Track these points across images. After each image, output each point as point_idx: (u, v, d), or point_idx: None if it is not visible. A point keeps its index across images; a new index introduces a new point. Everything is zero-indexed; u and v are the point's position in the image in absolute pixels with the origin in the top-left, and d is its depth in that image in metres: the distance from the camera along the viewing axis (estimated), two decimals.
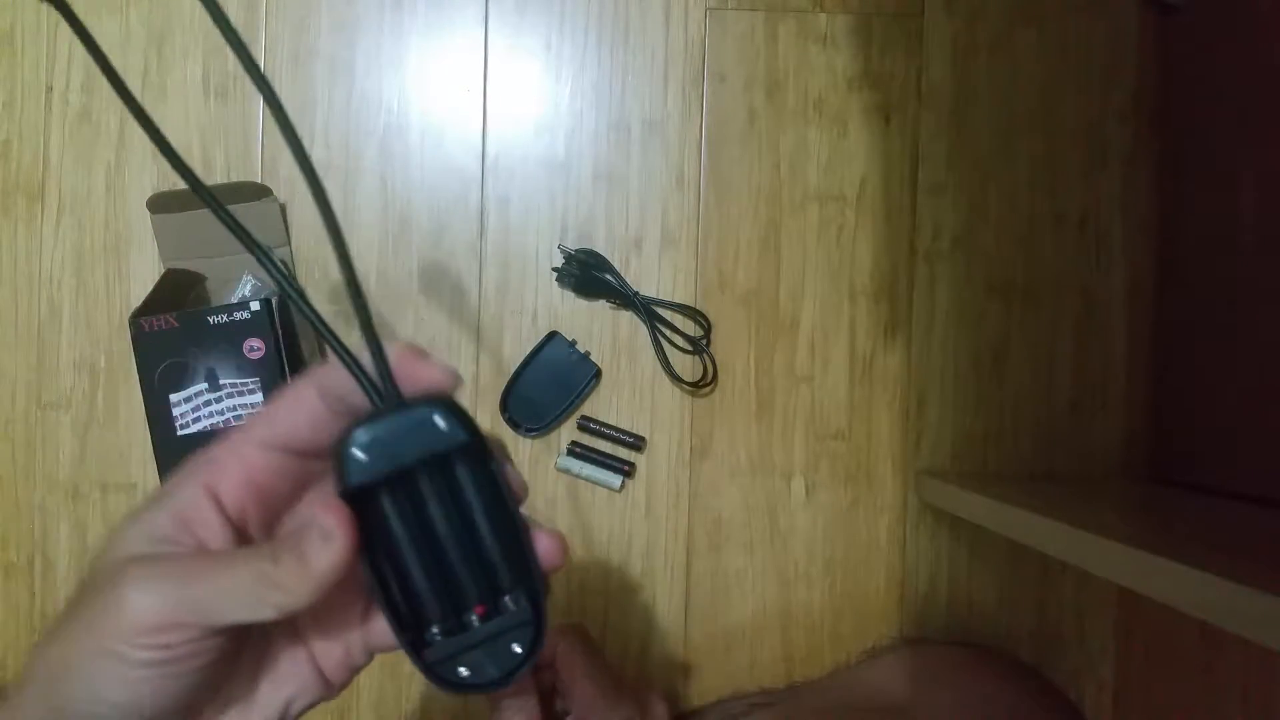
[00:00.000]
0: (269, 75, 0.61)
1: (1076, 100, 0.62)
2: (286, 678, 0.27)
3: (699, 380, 0.61)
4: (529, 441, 0.61)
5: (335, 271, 0.61)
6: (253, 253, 0.26)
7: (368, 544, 0.24)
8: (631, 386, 0.61)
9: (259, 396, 0.53)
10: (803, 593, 0.61)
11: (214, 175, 0.61)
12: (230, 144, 0.61)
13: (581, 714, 0.46)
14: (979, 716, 0.54)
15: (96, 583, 0.24)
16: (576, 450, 0.61)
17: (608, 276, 0.60)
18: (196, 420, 0.52)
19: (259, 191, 0.58)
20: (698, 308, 0.61)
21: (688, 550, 0.61)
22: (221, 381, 0.52)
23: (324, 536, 0.23)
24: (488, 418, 0.61)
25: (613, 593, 0.61)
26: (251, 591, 0.23)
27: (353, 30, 0.61)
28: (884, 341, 0.62)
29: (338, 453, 0.24)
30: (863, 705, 0.56)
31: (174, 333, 0.52)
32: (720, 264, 0.61)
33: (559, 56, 0.62)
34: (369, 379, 0.24)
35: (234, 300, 0.57)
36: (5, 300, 0.61)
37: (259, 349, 0.53)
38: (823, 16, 0.62)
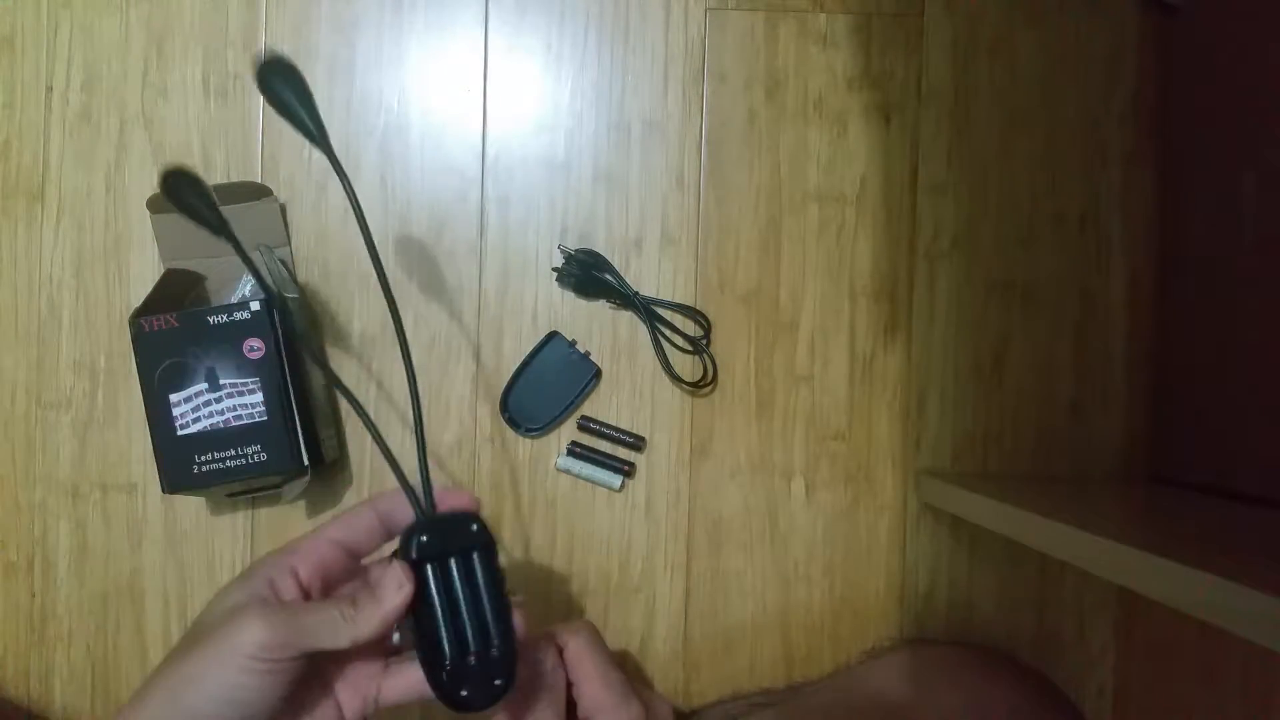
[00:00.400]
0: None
1: (1076, 100, 0.62)
2: (319, 714, 0.38)
3: (699, 380, 0.61)
4: (529, 441, 0.61)
5: (335, 272, 0.61)
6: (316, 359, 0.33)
7: (414, 600, 0.37)
8: (631, 386, 0.61)
9: (259, 396, 0.53)
10: (803, 593, 0.61)
11: (214, 175, 0.61)
12: (230, 144, 0.61)
13: (589, 711, 0.46)
14: (979, 717, 0.54)
15: (212, 623, 0.35)
16: (576, 450, 0.61)
17: (608, 276, 0.60)
18: (196, 420, 0.52)
19: (259, 191, 0.58)
20: (698, 308, 0.61)
21: (688, 550, 0.61)
22: (221, 381, 0.52)
23: (398, 584, 0.36)
24: (488, 417, 0.61)
25: (613, 593, 0.61)
26: (336, 624, 0.35)
27: (353, 30, 0.61)
28: (884, 341, 0.62)
29: (407, 534, 0.38)
30: (863, 705, 0.56)
31: (174, 333, 0.52)
32: (720, 264, 0.61)
33: (559, 56, 0.62)
34: (418, 499, 0.39)
35: (234, 300, 0.57)
36: (5, 300, 0.61)
37: (259, 349, 0.53)
38: (823, 16, 0.62)
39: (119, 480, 0.60)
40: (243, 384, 0.53)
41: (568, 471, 0.61)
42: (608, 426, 0.61)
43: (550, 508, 0.61)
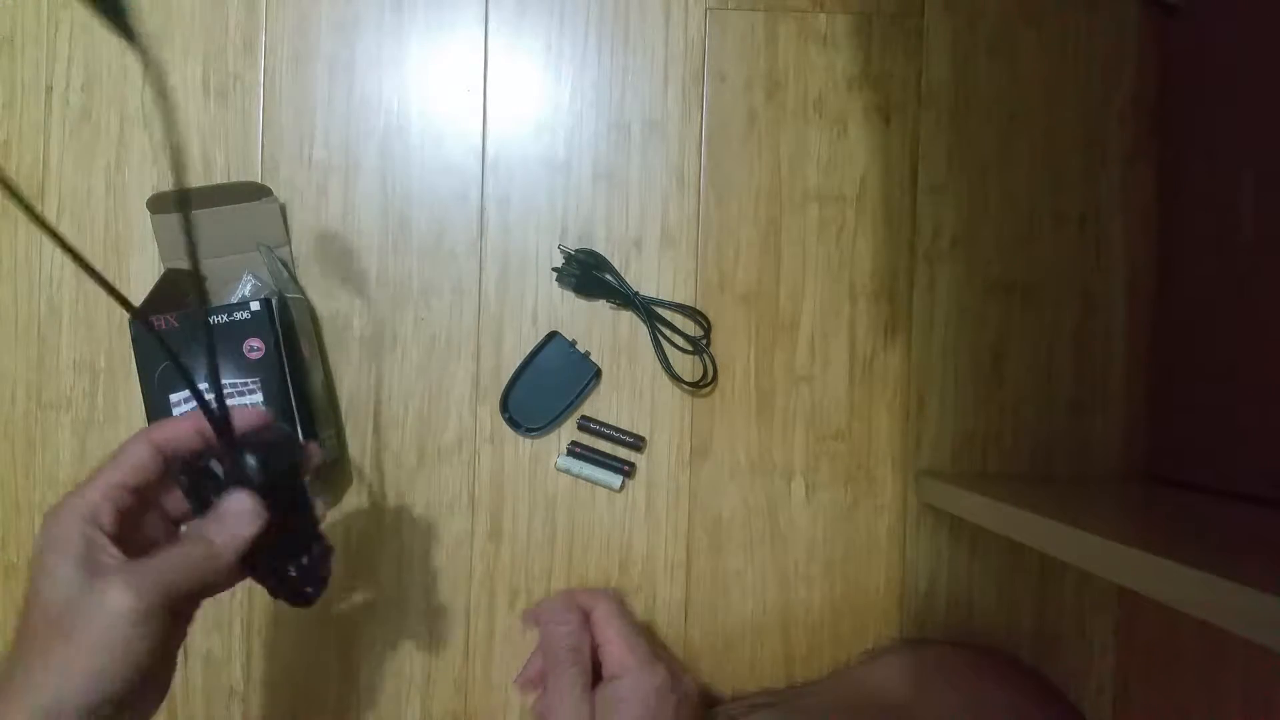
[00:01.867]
0: (269, 75, 0.61)
1: (1076, 100, 0.62)
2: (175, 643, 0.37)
3: (699, 380, 0.61)
4: (529, 441, 0.61)
5: (335, 272, 0.61)
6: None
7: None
8: (631, 386, 0.61)
9: (259, 396, 0.53)
10: (803, 593, 0.61)
11: (214, 175, 0.61)
12: (230, 144, 0.61)
13: (614, 671, 0.48)
14: (979, 717, 0.54)
15: (61, 603, 0.33)
16: (576, 450, 0.61)
17: (607, 276, 0.60)
18: None
19: (259, 191, 0.58)
20: (698, 308, 0.61)
21: (688, 550, 0.61)
22: (222, 381, 0.52)
23: (254, 513, 0.36)
24: (488, 417, 0.61)
25: None
26: (201, 565, 0.35)
27: (353, 30, 0.61)
28: (884, 341, 0.62)
29: (243, 463, 0.37)
30: (863, 705, 0.56)
31: (174, 333, 0.52)
32: (720, 264, 0.61)
33: (559, 56, 0.62)
34: (219, 420, 0.37)
35: (234, 300, 0.57)
36: (5, 300, 0.61)
37: (259, 349, 0.53)
38: (823, 16, 0.62)
39: None
40: (243, 384, 0.53)
41: (567, 471, 0.61)
42: (608, 426, 0.61)
43: (550, 508, 0.61)
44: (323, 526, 0.42)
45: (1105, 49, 0.62)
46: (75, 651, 0.31)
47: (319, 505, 0.41)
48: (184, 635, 0.37)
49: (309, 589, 0.40)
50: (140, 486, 0.37)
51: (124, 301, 0.34)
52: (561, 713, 0.47)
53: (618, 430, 0.61)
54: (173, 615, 0.34)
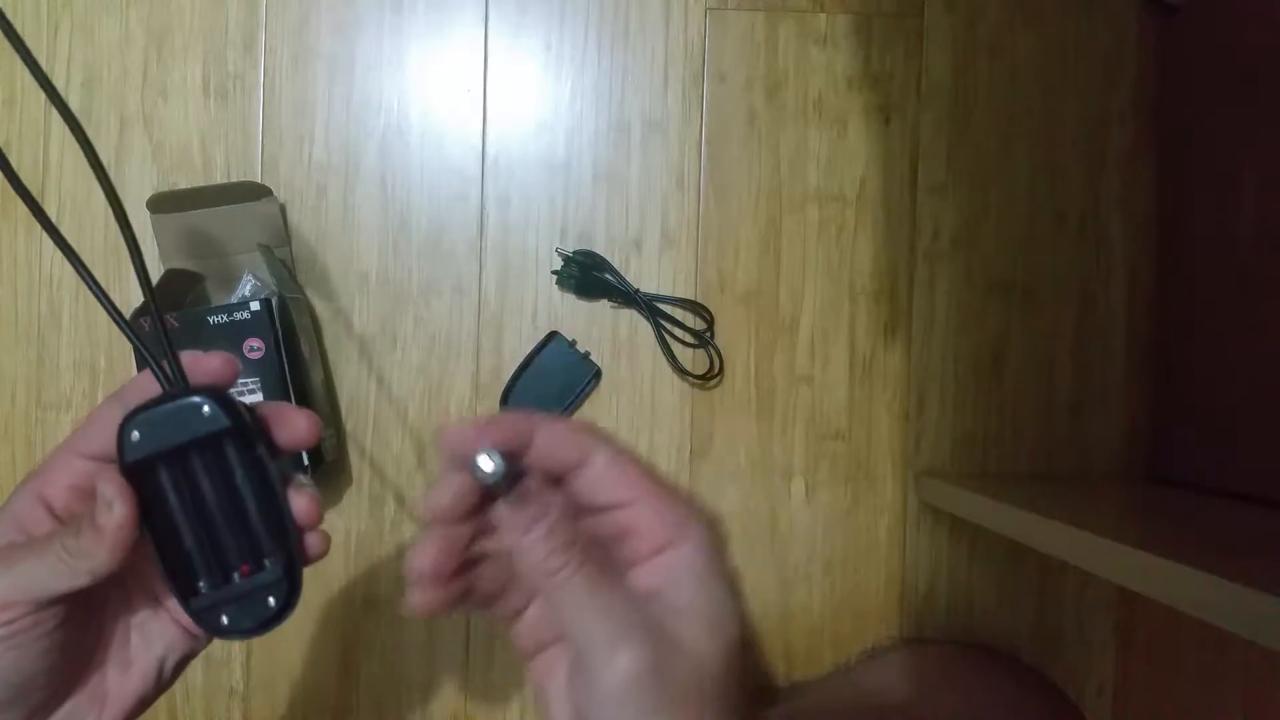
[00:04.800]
0: (269, 75, 0.61)
1: (1076, 100, 0.62)
2: (155, 637, 0.32)
3: (706, 373, 0.60)
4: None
5: (335, 272, 0.61)
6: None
7: (146, 512, 0.29)
8: (631, 386, 0.61)
9: (259, 396, 0.53)
10: (803, 593, 0.61)
11: (214, 175, 0.61)
12: (230, 144, 0.61)
13: (642, 550, 0.29)
14: (979, 717, 0.54)
15: None
16: None
17: (607, 276, 0.60)
18: None
19: (259, 191, 0.58)
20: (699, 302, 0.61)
21: None
22: None
23: (107, 505, 0.28)
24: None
25: None
26: (62, 562, 0.28)
27: (353, 30, 0.61)
28: (884, 341, 0.62)
29: (118, 434, 0.29)
30: (863, 705, 0.56)
31: (174, 333, 0.52)
32: (720, 264, 0.61)
33: (559, 56, 0.62)
34: (163, 371, 0.30)
35: (234, 300, 0.57)
36: (5, 300, 0.61)
37: (259, 349, 0.53)
38: (823, 16, 0.62)
39: None
40: (243, 384, 0.53)
41: None
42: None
43: None
44: (320, 523, 0.32)
45: (1105, 49, 0.62)
46: None
47: (304, 496, 0.31)
48: (111, 637, 0.31)
49: (271, 600, 0.30)
50: (106, 454, 0.30)
51: (109, 304, 0.32)
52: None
53: None
54: (70, 609, 0.29)
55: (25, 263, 0.61)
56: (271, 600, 0.30)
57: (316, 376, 0.58)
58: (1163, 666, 0.58)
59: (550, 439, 0.29)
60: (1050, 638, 0.61)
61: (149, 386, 0.30)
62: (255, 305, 0.53)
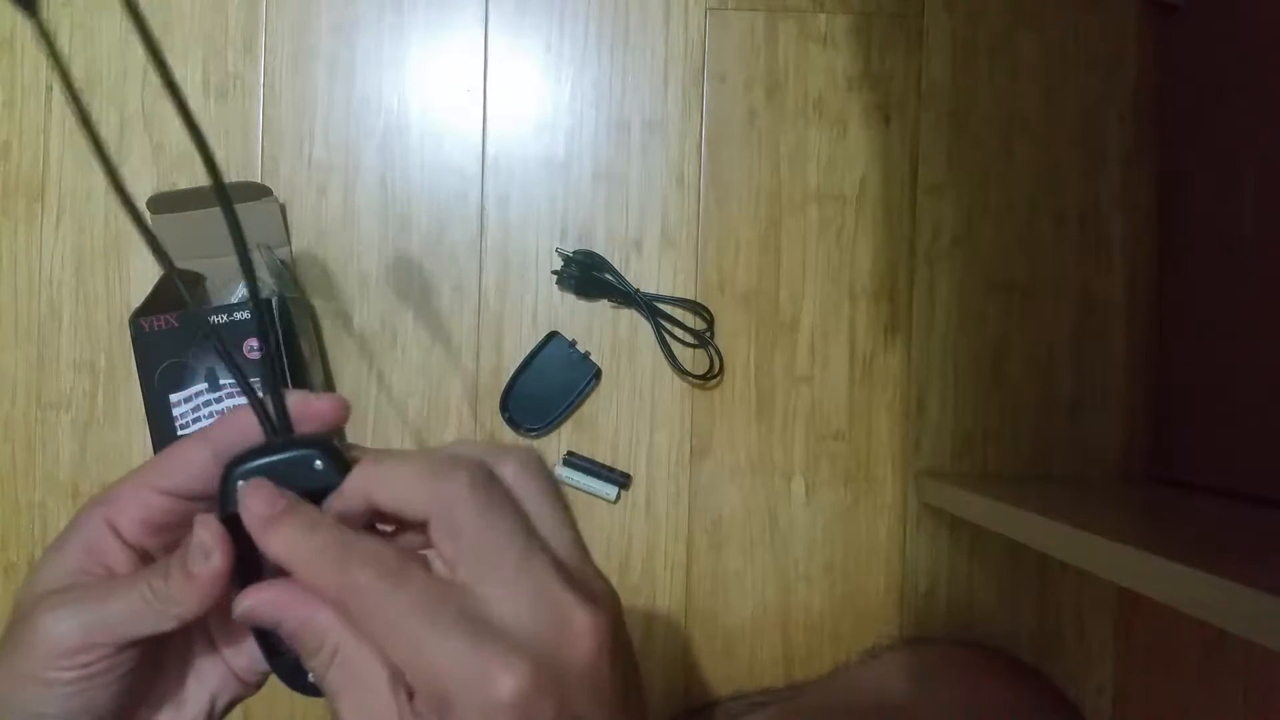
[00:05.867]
0: (269, 75, 0.61)
1: (1076, 100, 0.62)
2: (208, 677, 0.31)
3: (706, 373, 0.60)
4: (528, 442, 0.61)
5: (335, 272, 0.61)
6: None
7: (241, 564, 0.27)
8: (631, 386, 0.61)
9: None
10: (803, 593, 0.61)
11: None
12: (230, 144, 0.61)
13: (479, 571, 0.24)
14: (979, 717, 0.54)
15: (15, 618, 0.27)
16: (573, 461, 0.61)
17: (607, 276, 0.60)
18: (196, 420, 0.52)
19: (259, 191, 0.58)
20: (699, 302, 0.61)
21: (688, 550, 0.61)
22: (221, 381, 0.52)
23: (204, 554, 0.26)
24: (488, 417, 0.61)
25: None
26: (149, 605, 0.27)
27: (353, 30, 0.61)
28: (884, 341, 0.62)
29: (222, 478, 0.27)
30: (863, 705, 0.56)
31: (174, 333, 0.52)
32: (720, 264, 0.61)
33: (559, 56, 0.62)
34: (268, 416, 0.27)
35: (234, 300, 0.57)
36: (5, 300, 0.61)
37: (259, 349, 0.53)
38: (823, 16, 0.62)
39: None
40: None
41: (564, 482, 0.61)
42: (593, 463, 0.60)
43: None
44: None
45: (1105, 49, 0.62)
46: (3, 671, 0.27)
47: None
48: (183, 679, 0.30)
49: (313, 678, 0.27)
50: (182, 492, 0.29)
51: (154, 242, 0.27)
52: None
53: (605, 468, 0.60)
54: (144, 651, 0.28)
55: (25, 262, 0.61)
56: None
57: (316, 376, 0.58)
58: (1163, 666, 0.58)
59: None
60: (1050, 638, 0.61)
61: (244, 429, 0.28)
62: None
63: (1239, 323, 0.53)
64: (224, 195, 0.26)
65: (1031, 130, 0.62)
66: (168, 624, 0.27)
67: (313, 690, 0.28)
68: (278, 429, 0.28)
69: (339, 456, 0.27)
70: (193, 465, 0.28)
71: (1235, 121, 0.54)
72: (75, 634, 0.26)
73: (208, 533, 0.27)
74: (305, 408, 0.28)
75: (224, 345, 0.29)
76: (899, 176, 0.62)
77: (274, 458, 0.27)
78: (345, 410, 0.29)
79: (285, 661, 0.28)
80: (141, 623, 0.27)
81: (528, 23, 0.62)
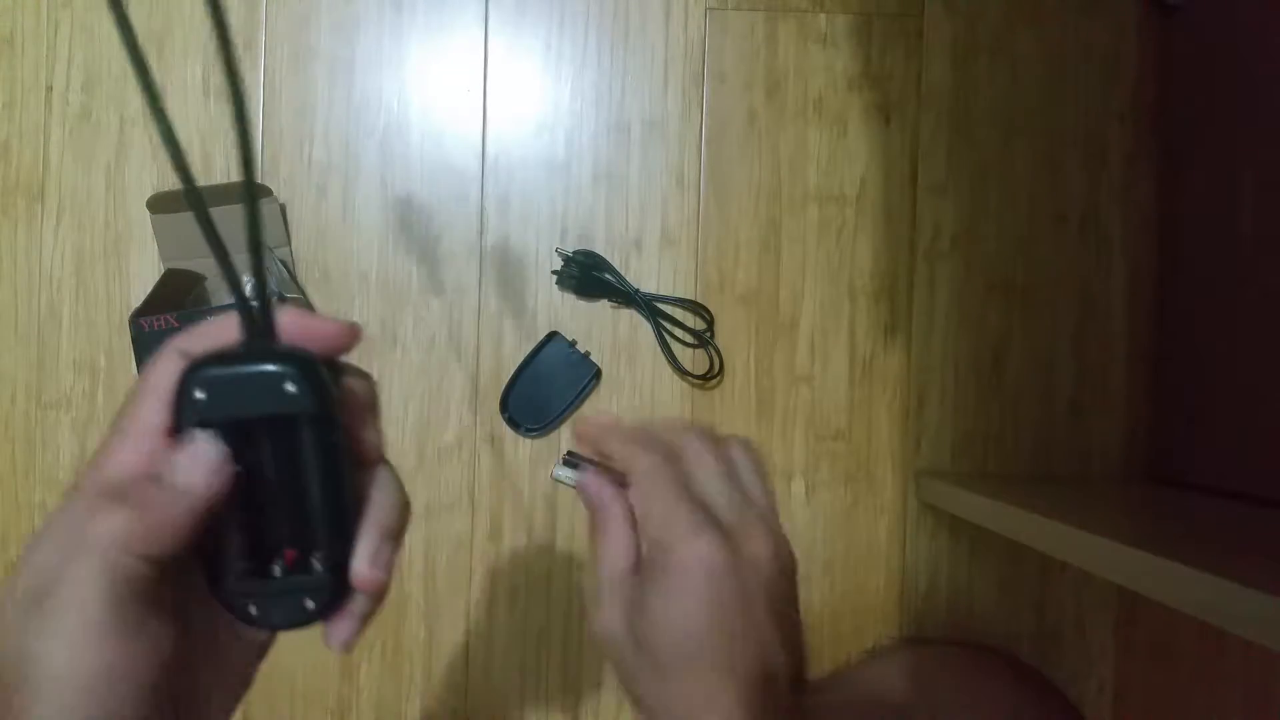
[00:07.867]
0: (269, 75, 0.61)
1: (1076, 100, 0.62)
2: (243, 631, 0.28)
3: (706, 373, 0.60)
4: (529, 441, 0.61)
5: (335, 272, 0.61)
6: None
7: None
8: (631, 386, 0.61)
9: None
10: (802, 593, 0.61)
11: (214, 175, 0.61)
12: (230, 144, 0.61)
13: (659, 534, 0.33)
14: (979, 717, 0.54)
15: (45, 583, 0.24)
16: (572, 461, 0.60)
17: (607, 276, 0.60)
18: None
19: (259, 191, 0.58)
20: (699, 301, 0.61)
21: None
22: None
23: (211, 467, 0.25)
24: (488, 418, 0.61)
25: None
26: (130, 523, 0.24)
27: (353, 30, 0.61)
28: (884, 341, 0.62)
29: (179, 387, 0.24)
30: (863, 705, 0.56)
31: (174, 333, 0.52)
32: (720, 264, 0.61)
33: (559, 56, 0.62)
34: (250, 313, 0.24)
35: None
36: (5, 300, 0.61)
37: None
38: (823, 16, 0.62)
39: None
40: None
41: (564, 482, 0.60)
42: (593, 463, 0.60)
43: (550, 507, 0.61)
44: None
45: (1105, 49, 0.62)
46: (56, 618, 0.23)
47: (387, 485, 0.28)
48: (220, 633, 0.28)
49: (309, 603, 0.26)
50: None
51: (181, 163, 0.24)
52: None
53: (605, 468, 0.60)
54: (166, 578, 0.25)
55: (25, 263, 0.61)
56: (310, 603, 0.27)
57: None
58: (1163, 666, 0.58)
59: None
60: (1050, 638, 0.61)
61: (227, 330, 0.25)
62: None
63: (1239, 323, 0.53)
64: (250, 190, 0.25)
65: (1031, 130, 0.62)
66: (158, 546, 0.24)
67: (254, 622, 0.27)
68: (255, 333, 0.25)
69: (318, 380, 0.24)
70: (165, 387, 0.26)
71: (1235, 121, 0.54)
72: (129, 529, 0.24)
73: (208, 443, 0.25)
74: (304, 324, 0.25)
75: (206, 213, 0.25)
76: (899, 176, 0.62)
77: (238, 369, 0.24)
78: (350, 335, 0.26)
79: (232, 585, 0.26)
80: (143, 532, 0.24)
81: (528, 23, 0.62)
